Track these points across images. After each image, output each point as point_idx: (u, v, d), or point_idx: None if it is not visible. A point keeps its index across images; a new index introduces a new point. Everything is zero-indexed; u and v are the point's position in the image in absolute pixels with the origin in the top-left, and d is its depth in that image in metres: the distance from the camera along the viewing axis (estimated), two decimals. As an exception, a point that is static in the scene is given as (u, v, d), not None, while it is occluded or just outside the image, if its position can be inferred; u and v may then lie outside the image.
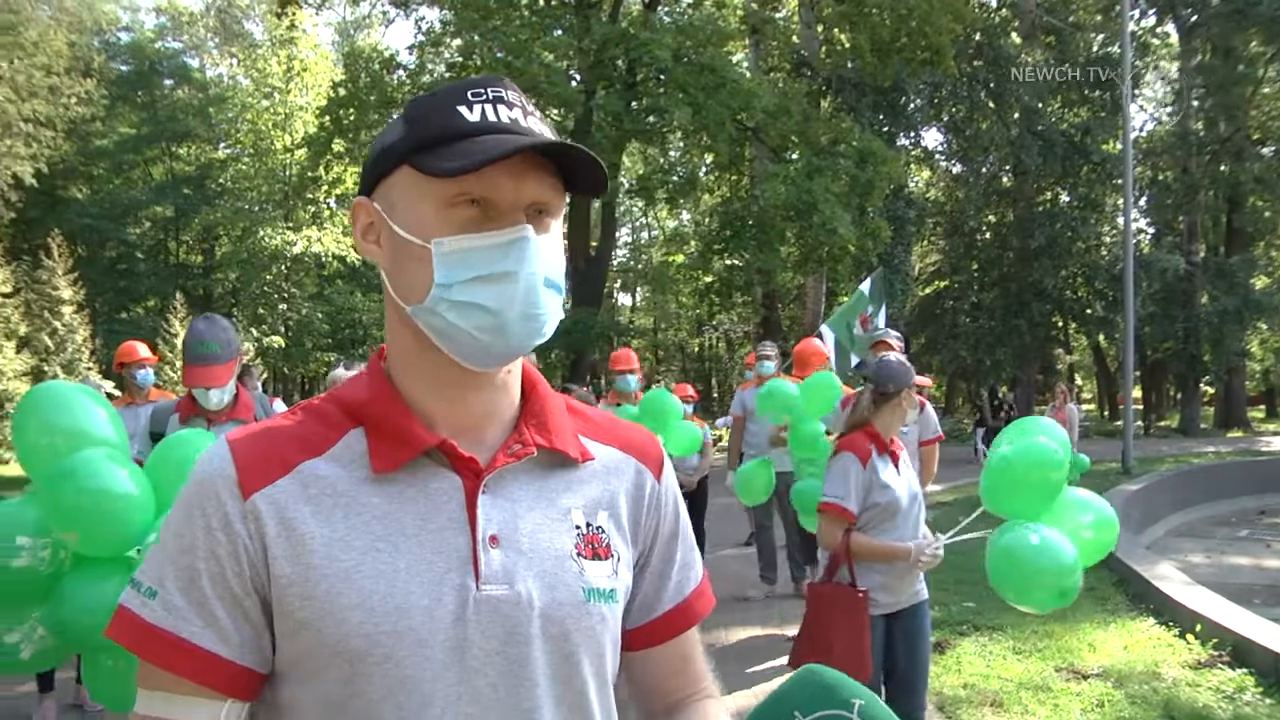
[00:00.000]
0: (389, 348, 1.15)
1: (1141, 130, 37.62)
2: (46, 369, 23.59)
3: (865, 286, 11.74)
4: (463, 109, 1.06)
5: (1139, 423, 31.51)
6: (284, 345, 31.29)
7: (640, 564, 1.25)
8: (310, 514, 1.04)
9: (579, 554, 1.12)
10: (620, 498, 1.21)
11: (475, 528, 1.07)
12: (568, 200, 1.13)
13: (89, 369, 23.56)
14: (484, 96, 1.07)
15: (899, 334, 6.30)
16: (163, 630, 1.02)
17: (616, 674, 1.21)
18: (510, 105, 1.08)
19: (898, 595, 3.89)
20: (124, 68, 38.61)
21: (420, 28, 23.27)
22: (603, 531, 1.16)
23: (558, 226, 1.12)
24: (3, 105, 27.32)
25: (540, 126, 1.09)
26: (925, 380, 4.07)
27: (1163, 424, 36.98)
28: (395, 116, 1.12)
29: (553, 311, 1.09)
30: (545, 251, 1.07)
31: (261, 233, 31.88)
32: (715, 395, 44.44)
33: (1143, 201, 34.93)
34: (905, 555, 3.79)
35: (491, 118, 1.06)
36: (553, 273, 1.08)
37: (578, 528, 1.14)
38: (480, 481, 1.08)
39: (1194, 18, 31.64)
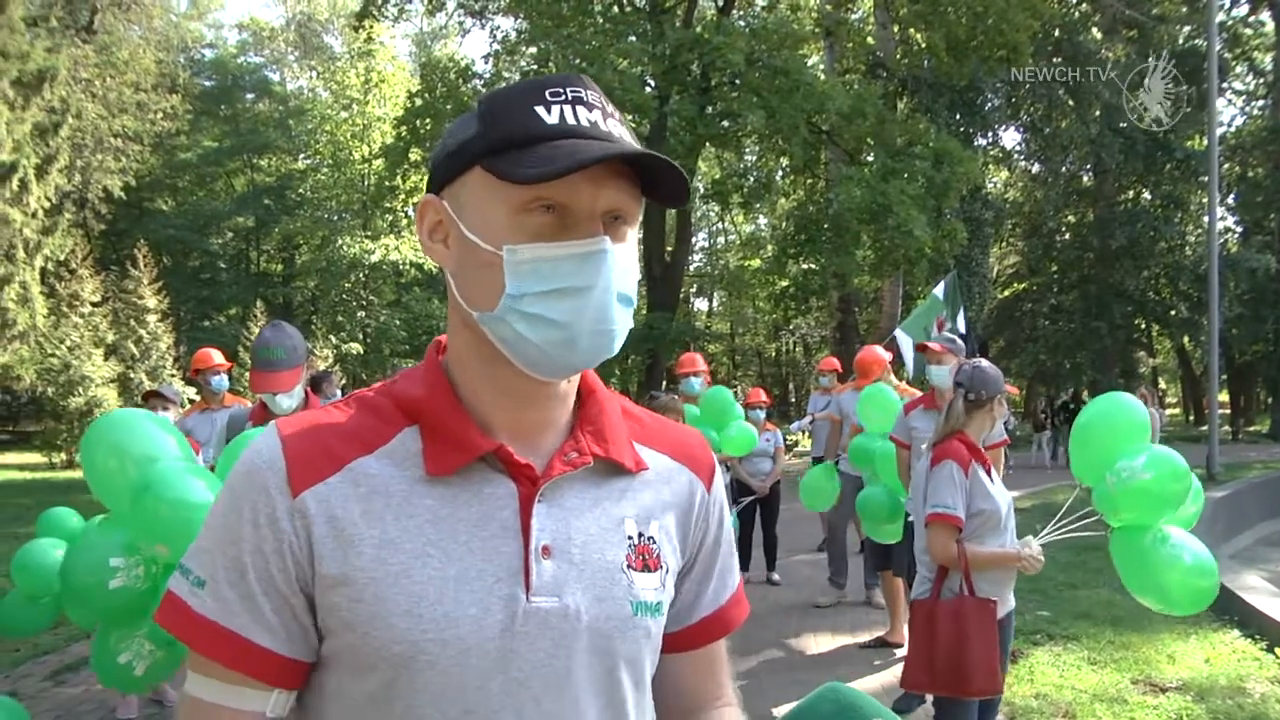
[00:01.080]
0: (449, 348, 1.13)
1: (1230, 125, 36.59)
2: (132, 375, 24.28)
3: (939, 290, 11.59)
4: (540, 110, 1.02)
5: (1226, 428, 30.60)
6: (362, 352, 31.83)
7: (684, 571, 1.23)
8: (360, 514, 1.02)
9: (629, 565, 1.11)
10: (672, 508, 1.19)
11: (529, 537, 1.05)
12: (646, 204, 1.09)
13: (172, 375, 24.19)
14: (563, 97, 1.03)
15: (950, 337, 6.16)
16: (212, 622, 1.02)
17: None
18: (590, 106, 1.04)
19: (1003, 603, 3.80)
20: (208, 83, 39.85)
21: (495, 37, 23.49)
22: (654, 542, 1.14)
23: (634, 235, 1.08)
24: (95, 122, 28.24)
25: (620, 129, 1.05)
26: (1012, 389, 3.99)
27: (1252, 429, 35.92)
28: (469, 113, 1.08)
29: (623, 326, 1.06)
30: (621, 263, 1.03)
31: (340, 241, 32.51)
32: (792, 400, 44.18)
33: (1230, 199, 33.95)
34: (1016, 560, 3.71)
35: (571, 121, 1.01)
36: (627, 286, 1.05)
37: (630, 538, 1.12)
38: (536, 489, 1.06)
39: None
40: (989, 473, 3.83)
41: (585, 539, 1.08)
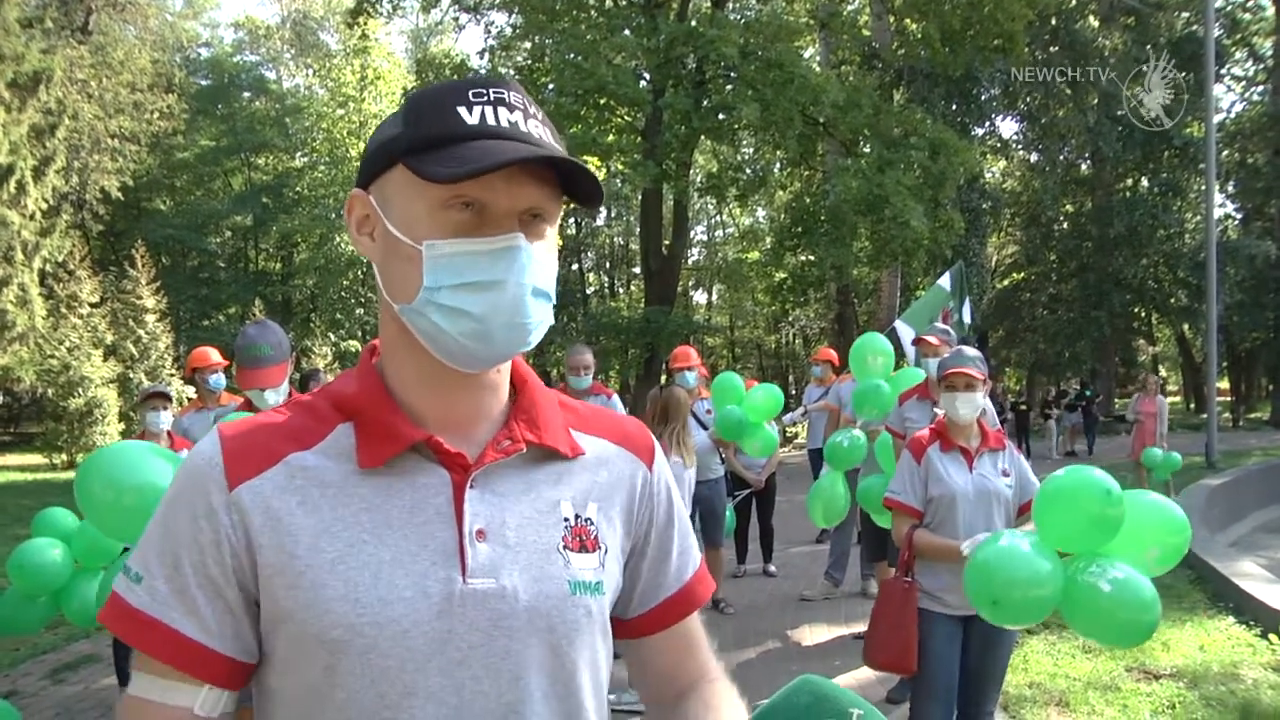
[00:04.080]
0: (381, 343, 1.16)
1: (1229, 112, 36.52)
2: (131, 376, 24.28)
3: (945, 281, 11.57)
4: (462, 110, 1.04)
5: (1226, 415, 30.62)
6: (361, 350, 31.79)
7: (637, 553, 1.26)
8: (296, 504, 1.05)
9: (566, 546, 1.13)
10: (611, 489, 1.21)
11: (462, 522, 1.07)
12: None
13: (172, 375, 24.20)
14: (485, 98, 1.05)
15: (945, 328, 6.16)
16: (145, 615, 1.04)
17: (610, 666, 1.21)
18: (511, 108, 1.06)
19: (946, 599, 3.80)
20: (204, 82, 39.81)
21: (490, 32, 23.44)
22: (591, 523, 1.17)
23: (553, 233, 1.11)
24: (91, 122, 28.20)
25: (541, 130, 1.07)
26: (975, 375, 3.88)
27: (1252, 416, 35.86)
28: (398, 110, 1.11)
29: (540, 320, 1.08)
30: (537, 259, 1.06)
31: (338, 239, 32.44)
32: (792, 392, 44.17)
33: (1230, 186, 33.90)
34: (956, 554, 3.64)
35: (490, 121, 1.04)
36: (542, 282, 1.07)
37: (566, 520, 1.14)
38: (468, 476, 1.09)
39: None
40: (970, 460, 3.84)
41: (520, 522, 1.10)
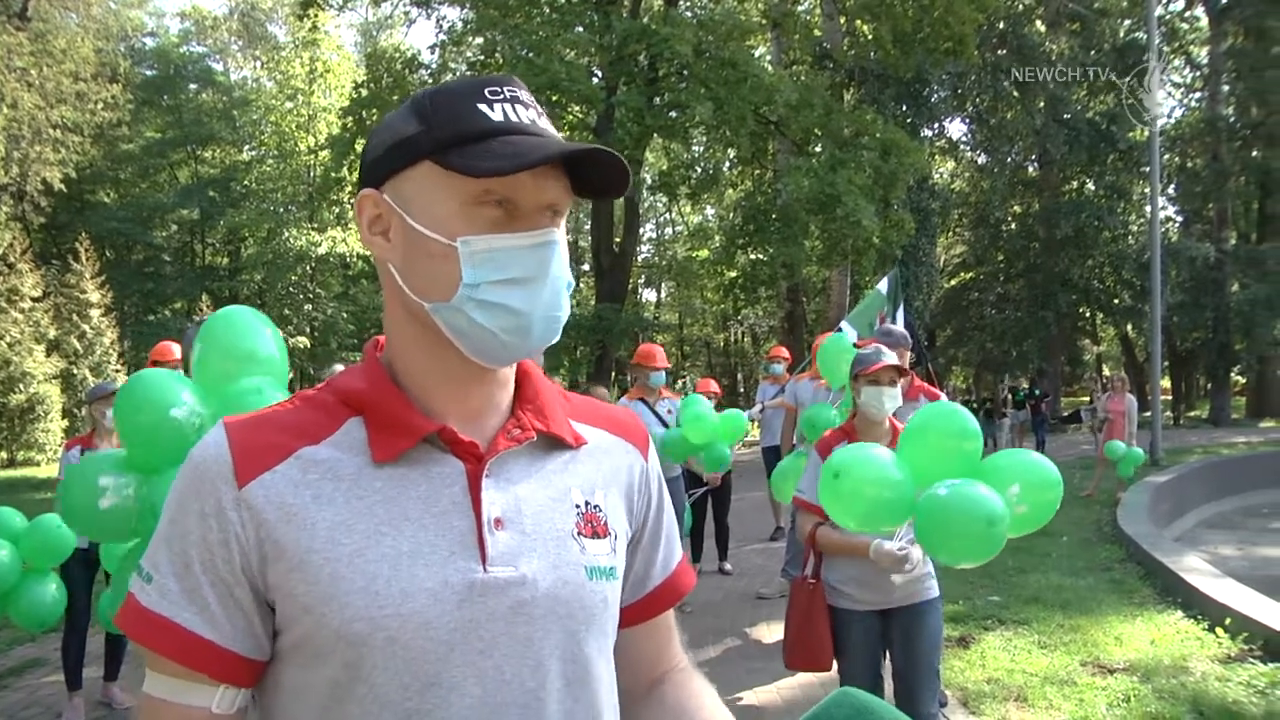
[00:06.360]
0: (391, 340, 1.15)
1: (1170, 117, 37.27)
2: (75, 371, 23.85)
3: (883, 286, 11.70)
4: (484, 108, 1.05)
5: (1168, 413, 31.19)
6: (309, 346, 31.46)
7: (633, 542, 1.27)
8: (311, 499, 1.03)
9: (579, 533, 1.13)
10: (613, 478, 1.22)
11: (480, 511, 1.07)
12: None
13: (117, 370, 23.78)
14: (502, 96, 1.07)
15: (890, 329, 6.21)
16: (156, 614, 1.02)
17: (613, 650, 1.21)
18: (526, 105, 1.08)
19: (881, 593, 3.77)
20: (149, 72, 39.10)
21: (442, 27, 23.26)
22: (600, 510, 1.18)
23: (564, 226, 1.12)
24: (32, 112, 27.61)
25: (550, 127, 1.09)
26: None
27: (1192, 414, 36.61)
28: (403, 109, 1.10)
29: (567, 312, 1.11)
30: (563, 253, 1.09)
31: (286, 234, 32.15)
32: (741, 390, 44.42)
33: (1171, 189, 34.58)
34: (864, 551, 3.58)
35: (513, 118, 1.06)
36: (567, 274, 1.09)
37: (577, 506, 1.15)
38: (483, 465, 1.09)
39: (1225, 0, 31.24)
40: None
41: (535, 509, 1.11)
